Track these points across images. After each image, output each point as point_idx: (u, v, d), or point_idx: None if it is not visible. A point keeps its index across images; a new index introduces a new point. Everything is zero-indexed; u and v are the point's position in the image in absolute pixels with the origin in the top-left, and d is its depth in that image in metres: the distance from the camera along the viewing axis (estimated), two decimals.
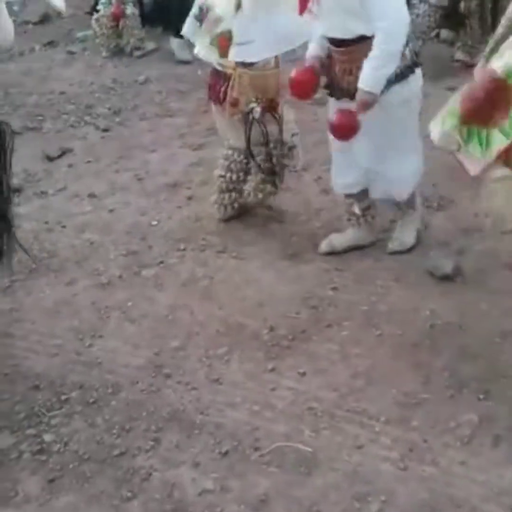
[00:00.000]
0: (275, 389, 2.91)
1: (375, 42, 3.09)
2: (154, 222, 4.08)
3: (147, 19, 6.93)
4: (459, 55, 5.59)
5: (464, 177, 4.08)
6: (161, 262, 3.72)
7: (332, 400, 2.82)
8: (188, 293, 3.48)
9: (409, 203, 3.60)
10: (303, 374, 2.96)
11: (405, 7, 3.13)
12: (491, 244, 3.57)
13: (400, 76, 3.25)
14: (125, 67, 6.53)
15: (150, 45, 6.78)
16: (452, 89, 5.21)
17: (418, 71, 3.38)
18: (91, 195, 4.38)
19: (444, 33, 6.00)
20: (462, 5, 5.49)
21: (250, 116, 3.62)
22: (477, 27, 5.51)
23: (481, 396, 2.74)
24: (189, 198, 4.29)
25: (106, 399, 2.94)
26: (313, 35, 3.34)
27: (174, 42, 6.50)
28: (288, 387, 2.91)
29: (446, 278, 3.36)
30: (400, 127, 3.36)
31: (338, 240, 3.63)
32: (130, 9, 6.62)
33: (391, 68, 3.15)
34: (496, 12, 5.33)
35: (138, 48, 6.69)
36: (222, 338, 3.19)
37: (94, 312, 3.40)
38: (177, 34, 6.44)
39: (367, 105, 3.17)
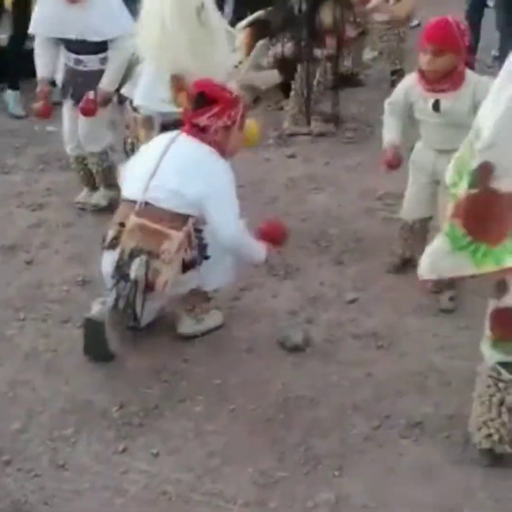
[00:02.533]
0: (126, 472, 2.76)
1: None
2: None
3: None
4: (287, 124, 5.79)
5: (308, 245, 4.24)
6: None
7: (188, 482, 2.71)
8: (30, 367, 3.26)
9: None
10: (157, 454, 2.83)
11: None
12: (337, 314, 3.65)
13: None
14: None
15: None
16: (292, 156, 5.41)
17: None
18: None
19: None
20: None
21: None
22: (300, 96, 5.75)
23: (336, 473, 2.73)
24: (29, 262, 4.07)
25: None
26: None
27: (9, 96, 6.25)
28: (140, 469, 2.77)
29: (296, 349, 3.38)
30: None
31: None
32: None
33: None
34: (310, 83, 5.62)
35: None
36: (68, 416, 3.00)
37: None
38: (12, 87, 6.24)
39: None
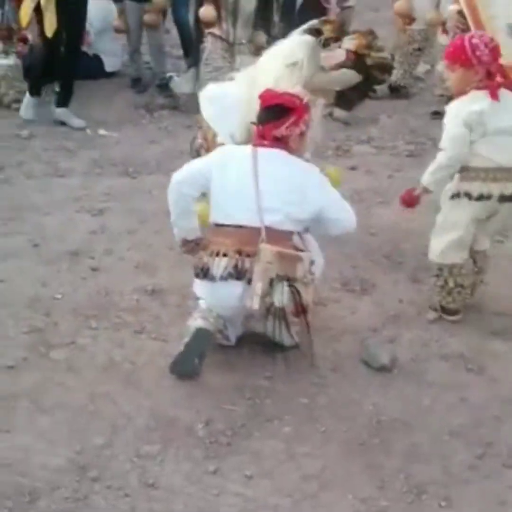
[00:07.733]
0: (219, 494, 2.62)
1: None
2: (58, 295, 3.69)
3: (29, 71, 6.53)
4: None
5: (380, 260, 4.11)
6: (72, 342, 3.35)
7: (285, 508, 2.57)
8: (108, 379, 3.13)
9: None
10: (250, 477, 2.69)
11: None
12: (420, 333, 3.51)
13: None
14: (3, 119, 6.09)
15: None
16: (354, 168, 5.27)
17: None
18: None
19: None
20: None
21: None
22: None
23: (443, 503, 2.59)
24: (94, 269, 3.94)
25: (22, 509, 2.53)
26: None
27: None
28: (234, 492, 2.63)
29: (382, 369, 3.24)
30: None
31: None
32: (13, 60, 6.24)
33: None
34: None
35: (17, 101, 6.24)
36: (152, 433, 2.87)
37: None
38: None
39: None
